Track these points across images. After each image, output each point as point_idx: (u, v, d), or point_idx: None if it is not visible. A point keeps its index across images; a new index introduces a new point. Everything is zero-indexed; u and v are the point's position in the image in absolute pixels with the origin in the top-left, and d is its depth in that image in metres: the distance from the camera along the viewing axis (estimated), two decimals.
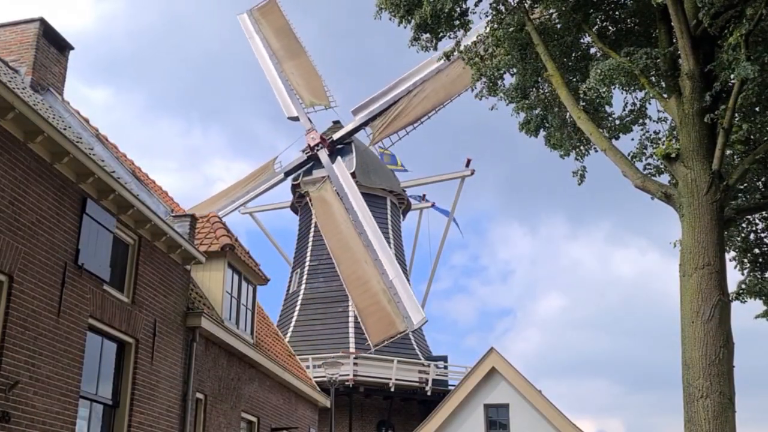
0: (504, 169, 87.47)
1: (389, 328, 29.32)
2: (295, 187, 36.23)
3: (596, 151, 12.52)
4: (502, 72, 12.52)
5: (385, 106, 34.65)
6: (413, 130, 34.93)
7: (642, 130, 12.41)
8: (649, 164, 12.25)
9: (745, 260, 13.25)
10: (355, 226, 31.99)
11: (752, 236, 13.18)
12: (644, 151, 12.26)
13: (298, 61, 36.37)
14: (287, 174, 35.52)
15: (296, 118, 35.16)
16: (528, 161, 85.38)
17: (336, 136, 35.06)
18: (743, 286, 13.29)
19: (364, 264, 31.00)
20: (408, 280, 36.26)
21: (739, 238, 13.08)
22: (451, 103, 34.54)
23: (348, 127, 35.09)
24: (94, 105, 76.56)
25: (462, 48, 12.75)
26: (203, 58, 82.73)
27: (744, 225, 13.10)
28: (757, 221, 13.18)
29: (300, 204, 36.98)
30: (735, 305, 9.62)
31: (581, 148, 12.53)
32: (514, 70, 12.48)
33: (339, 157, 34.46)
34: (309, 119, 35.19)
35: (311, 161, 35.08)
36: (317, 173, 35.23)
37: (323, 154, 34.50)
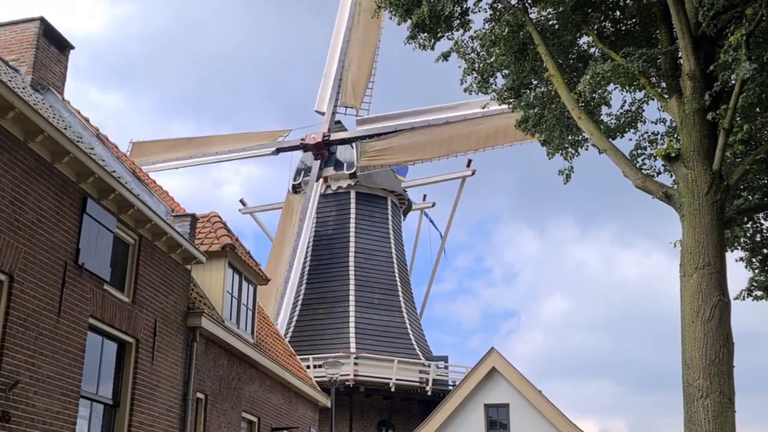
0: (516, 171, 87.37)
1: None
2: (295, 188, 36.28)
3: (587, 150, 12.49)
4: (494, 71, 12.43)
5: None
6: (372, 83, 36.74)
7: (635, 133, 12.36)
8: (645, 164, 12.23)
9: (754, 260, 13.23)
10: (430, 123, 34.22)
11: (758, 237, 13.14)
12: (643, 151, 12.23)
13: (219, 142, 37.28)
14: (305, 147, 35.94)
15: (276, 152, 36.43)
16: (541, 163, 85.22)
17: (325, 128, 35.92)
18: (755, 283, 13.26)
19: (455, 129, 33.80)
20: (408, 280, 36.34)
21: (746, 238, 13.05)
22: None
23: (327, 111, 36.11)
24: (105, 108, 76.72)
25: (456, 40, 12.60)
26: (214, 61, 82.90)
27: (749, 225, 13.07)
28: (762, 221, 13.14)
29: None
30: (735, 305, 9.57)
31: (570, 149, 12.48)
32: (507, 71, 12.42)
33: (355, 120, 36.13)
34: (286, 139, 36.46)
35: (321, 157, 35.65)
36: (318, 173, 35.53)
37: (340, 133, 35.43)
